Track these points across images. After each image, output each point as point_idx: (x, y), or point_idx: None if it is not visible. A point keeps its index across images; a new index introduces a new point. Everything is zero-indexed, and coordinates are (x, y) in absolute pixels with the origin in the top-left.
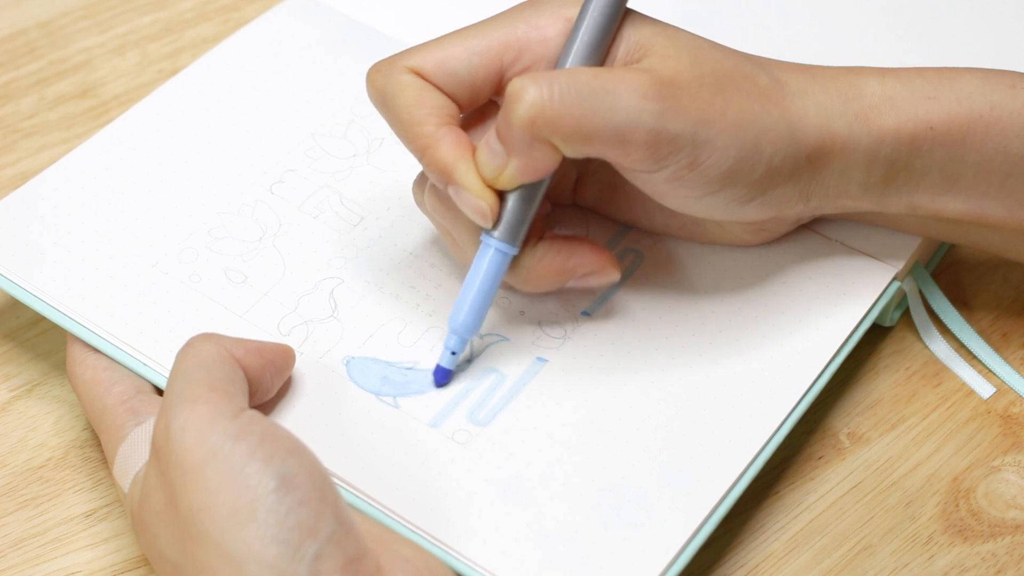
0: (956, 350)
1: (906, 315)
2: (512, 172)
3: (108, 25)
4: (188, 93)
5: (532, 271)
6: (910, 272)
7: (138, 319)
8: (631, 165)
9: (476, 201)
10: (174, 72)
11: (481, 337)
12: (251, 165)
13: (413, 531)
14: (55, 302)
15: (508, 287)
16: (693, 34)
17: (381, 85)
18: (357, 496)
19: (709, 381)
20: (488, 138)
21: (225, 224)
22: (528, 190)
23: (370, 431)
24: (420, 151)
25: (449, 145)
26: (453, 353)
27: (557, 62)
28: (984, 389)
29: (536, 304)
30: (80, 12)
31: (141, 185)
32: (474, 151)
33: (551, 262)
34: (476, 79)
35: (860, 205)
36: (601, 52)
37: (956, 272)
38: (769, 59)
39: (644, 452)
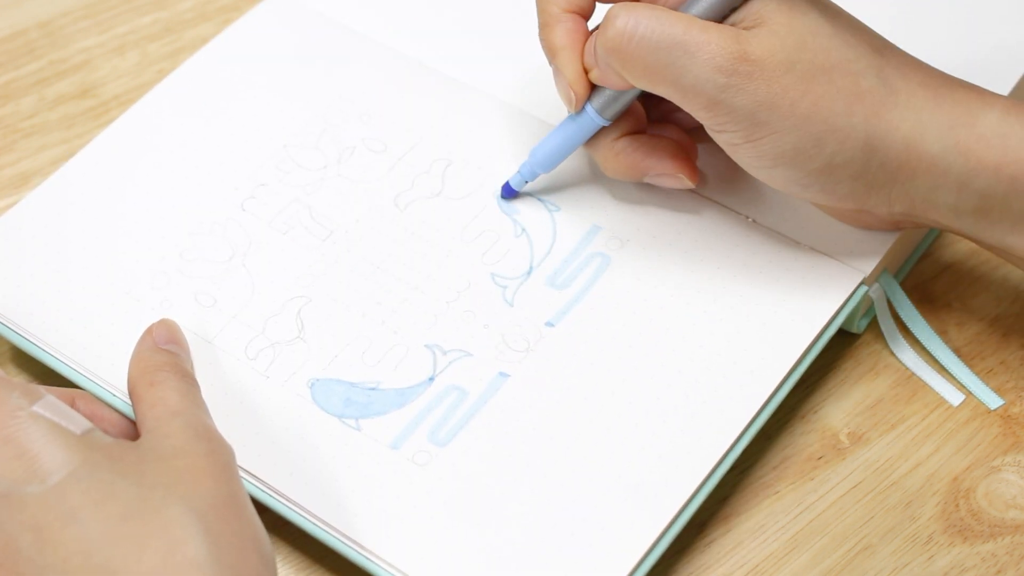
0: (924, 358)
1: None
2: (595, 75)
3: (108, 25)
4: (163, 110)
5: (609, 160)
6: (878, 279)
7: (111, 351)
8: (695, 117)
9: (567, 87)
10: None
11: (445, 353)
12: (223, 181)
13: (369, 557)
14: (36, 339)
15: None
16: (829, 17)
17: None
18: (315, 524)
19: (672, 390)
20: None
21: (196, 245)
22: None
23: (331, 456)
24: (540, 25)
25: (564, 31)
26: (527, 181)
27: None
28: (954, 397)
29: (499, 316)
30: (80, 12)
31: (116, 210)
32: (586, 40)
33: (628, 157)
34: None
35: (955, 229)
36: (719, 7)
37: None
38: (907, 62)
39: (602, 467)
